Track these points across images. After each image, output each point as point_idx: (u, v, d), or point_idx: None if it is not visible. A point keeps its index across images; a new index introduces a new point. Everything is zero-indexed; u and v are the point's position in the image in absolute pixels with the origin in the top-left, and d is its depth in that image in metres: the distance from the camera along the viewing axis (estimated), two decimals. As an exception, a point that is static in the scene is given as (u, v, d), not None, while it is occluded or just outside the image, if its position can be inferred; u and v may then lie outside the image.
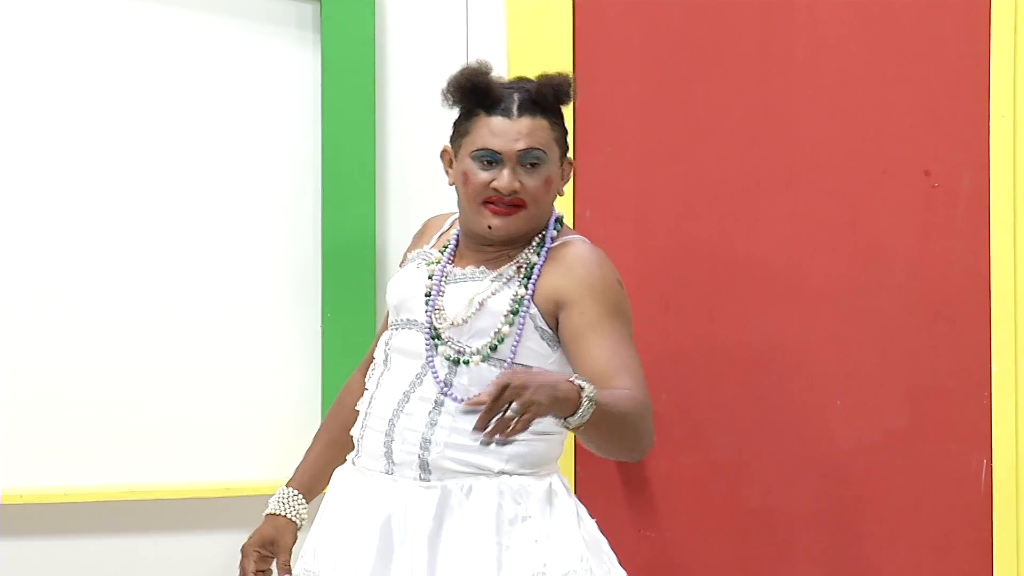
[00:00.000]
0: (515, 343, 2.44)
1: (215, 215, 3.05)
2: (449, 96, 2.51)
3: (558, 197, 2.56)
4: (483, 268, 2.52)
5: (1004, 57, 2.99)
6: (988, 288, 3.00)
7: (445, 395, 2.44)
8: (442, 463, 2.42)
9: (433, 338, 2.48)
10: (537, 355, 2.47)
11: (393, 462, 2.45)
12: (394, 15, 3.13)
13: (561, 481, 2.51)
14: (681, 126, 3.15)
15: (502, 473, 2.43)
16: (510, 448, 2.41)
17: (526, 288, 2.46)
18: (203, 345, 3.03)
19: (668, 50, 3.16)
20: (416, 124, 3.11)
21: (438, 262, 2.56)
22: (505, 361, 2.44)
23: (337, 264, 3.04)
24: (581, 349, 2.40)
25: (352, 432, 2.58)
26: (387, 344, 2.56)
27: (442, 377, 2.45)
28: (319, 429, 2.79)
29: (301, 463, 2.74)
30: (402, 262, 2.71)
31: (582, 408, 2.19)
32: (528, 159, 2.45)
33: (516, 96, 2.47)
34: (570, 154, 2.59)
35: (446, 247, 2.59)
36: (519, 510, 2.40)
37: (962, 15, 3.02)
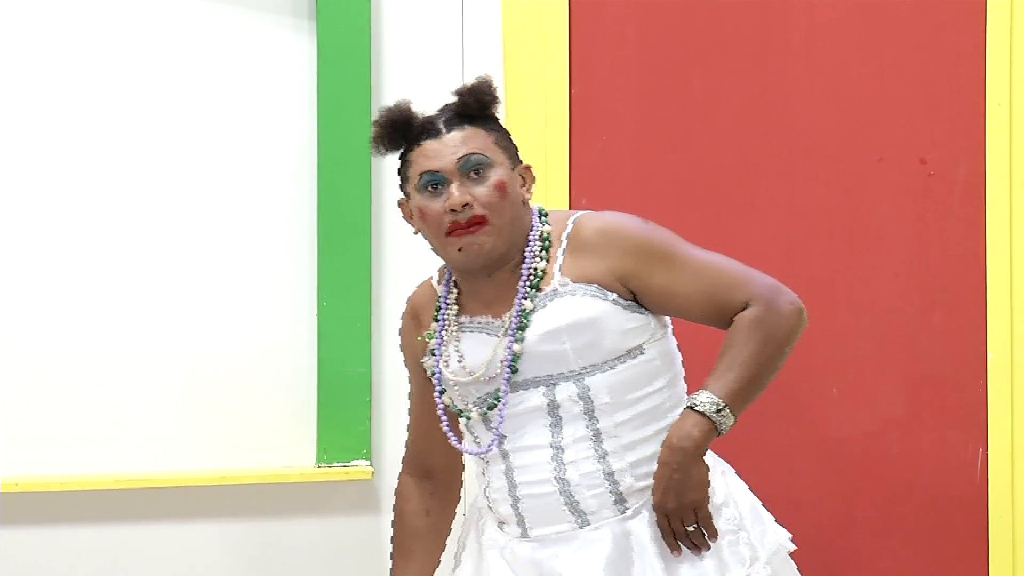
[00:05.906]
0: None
1: (211, 203, 3.04)
2: (379, 144, 2.42)
3: (534, 198, 2.43)
4: (494, 317, 2.40)
5: (1000, 46, 3.00)
6: (984, 276, 3.01)
7: (594, 422, 2.34)
8: (635, 485, 2.33)
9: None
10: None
11: (584, 513, 2.33)
12: (390, 3, 3.12)
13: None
14: (677, 116, 3.15)
15: None
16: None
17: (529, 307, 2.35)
18: (200, 334, 3.02)
19: (664, 40, 3.16)
20: (412, 112, 3.11)
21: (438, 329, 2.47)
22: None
23: (333, 252, 3.03)
24: (680, 306, 2.38)
25: (497, 508, 2.41)
26: (485, 426, 2.40)
27: (581, 409, 2.34)
28: (392, 553, 2.60)
29: None
30: (414, 357, 2.53)
31: (719, 422, 2.29)
32: (470, 167, 2.34)
33: (440, 117, 2.38)
34: (526, 160, 2.44)
35: (438, 308, 2.47)
36: (713, 497, 2.33)
37: (959, 3, 3.03)
